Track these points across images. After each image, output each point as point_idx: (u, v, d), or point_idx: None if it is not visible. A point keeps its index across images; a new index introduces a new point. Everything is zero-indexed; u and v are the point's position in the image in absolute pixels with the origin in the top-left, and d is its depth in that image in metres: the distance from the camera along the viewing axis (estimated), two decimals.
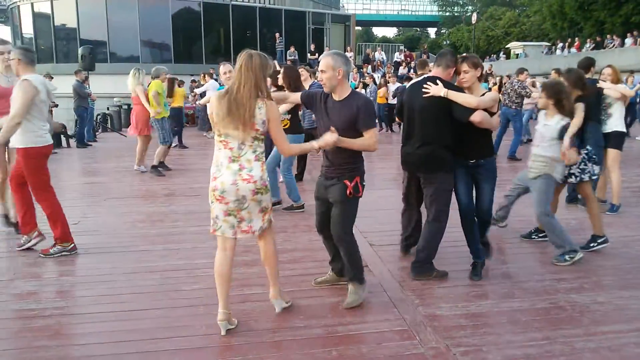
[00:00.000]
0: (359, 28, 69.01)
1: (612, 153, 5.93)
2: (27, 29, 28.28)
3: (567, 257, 4.37)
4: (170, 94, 10.93)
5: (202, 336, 3.20)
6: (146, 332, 3.25)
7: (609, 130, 5.89)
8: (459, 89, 3.90)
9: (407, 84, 6.40)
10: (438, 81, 3.87)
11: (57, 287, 4.01)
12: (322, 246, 4.74)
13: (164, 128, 8.72)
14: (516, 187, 4.88)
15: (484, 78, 11.84)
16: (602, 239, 4.77)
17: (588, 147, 4.84)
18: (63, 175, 8.82)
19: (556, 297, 3.76)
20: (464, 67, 3.94)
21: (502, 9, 48.38)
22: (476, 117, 3.77)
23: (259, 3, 27.12)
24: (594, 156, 4.81)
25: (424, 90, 3.87)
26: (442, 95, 3.79)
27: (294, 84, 5.84)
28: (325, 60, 3.40)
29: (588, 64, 5.96)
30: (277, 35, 24.40)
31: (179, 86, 12.53)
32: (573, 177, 4.73)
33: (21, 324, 3.38)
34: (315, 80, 7.28)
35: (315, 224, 3.81)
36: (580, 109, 4.74)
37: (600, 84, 5.83)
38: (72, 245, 4.71)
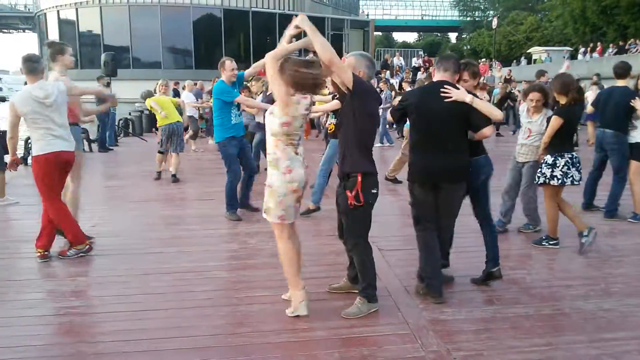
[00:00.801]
0: (379, 33, 69.11)
1: (634, 165, 5.87)
2: (53, 36, 29.05)
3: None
4: None
5: (208, 336, 3.29)
6: (155, 331, 3.36)
7: (633, 141, 5.84)
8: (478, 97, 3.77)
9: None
10: (460, 86, 3.71)
11: (73, 287, 4.15)
12: (331, 250, 4.86)
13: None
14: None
15: (480, 86, 11.71)
16: (555, 241, 5.01)
17: (573, 153, 4.85)
18: (84, 178, 9.02)
19: (562, 303, 3.77)
20: (465, 75, 3.90)
21: (523, 14, 47.92)
22: (488, 131, 3.69)
23: (279, 9, 27.39)
24: (577, 163, 4.83)
25: (443, 95, 3.62)
26: (467, 101, 3.58)
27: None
28: (348, 60, 3.47)
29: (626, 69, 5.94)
30: (292, 40, 24.55)
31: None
32: (555, 179, 4.77)
33: (39, 322, 3.52)
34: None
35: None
36: (552, 122, 4.78)
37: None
38: (88, 246, 4.85)
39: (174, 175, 8.71)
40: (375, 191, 3.45)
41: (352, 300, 3.65)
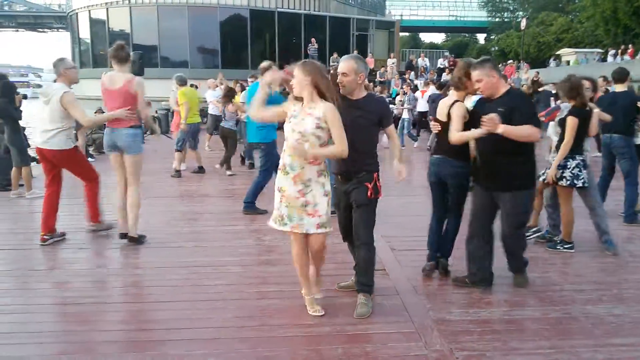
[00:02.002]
0: (406, 34, 68.70)
1: None
2: (84, 35, 29.75)
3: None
4: None
5: (217, 328, 3.39)
6: (166, 322, 3.47)
7: (639, 143, 5.82)
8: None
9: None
10: (493, 115, 3.58)
11: (91, 278, 4.31)
12: (343, 249, 4.89)
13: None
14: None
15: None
16: (569, 245, 4.97)
17: (583, 156, 4.80)
18: (110, 174, 9.26)
19: (571, 307, 3.75)
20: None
21: (553, 15, 47.06)
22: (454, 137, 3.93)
23: (304, 10, 27.49)
24: (587, 165, 4.82)
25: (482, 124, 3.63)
26: (499, 132, 3.57)
27: None
28: (348, 64, 3.46)
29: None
30: (312, 40, 24.64)
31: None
32: (564, 180, 4.76)
33: (57, 310, 3.68)
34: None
35: (340, 231, 3.85)
36: (569, 122, 4.71)
37: None
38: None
39: (201, 167, 9.17)
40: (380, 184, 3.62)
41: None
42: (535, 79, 19.59)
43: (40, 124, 5.05)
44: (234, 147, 9.43)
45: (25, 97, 7.91)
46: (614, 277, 4.38)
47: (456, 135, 3.89)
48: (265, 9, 26.94)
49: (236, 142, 9.63)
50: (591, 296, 3.95)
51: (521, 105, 3.76)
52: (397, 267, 4.53)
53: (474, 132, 3.77)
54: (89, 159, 9.85)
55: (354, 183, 3.54)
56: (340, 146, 3.29)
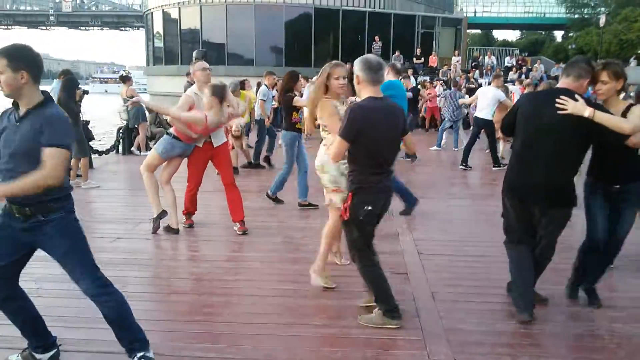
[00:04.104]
0: (478, 31, 66.57)
1: None
2: (158, 32, 31.17)
3: None
4: None
5: (225, 323, 3.46)
6: (177, 314, 3.59)
7: None
8: (604, 109, 3.31)
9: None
10: (578, 97, 3.23)
11: (112, 266, 4.47)
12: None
13: None
14: None
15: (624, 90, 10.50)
16: None
17: None
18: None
19: (597, 324, 3.50)
20: (603, 76, 3.42)
21: (638, 11, 43.96)
22: (635, 138, 3.24)
23: (369, 8, 27.33)
24: None
25: (558, 105, 3.20)
26: (585, 115, 3.13)
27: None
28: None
29: None
30: (376, 38, 24.42)
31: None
32: None
33: (72, 299, 3.86)
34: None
35: None
36: None
37: None
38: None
39: (250, 163, 9.50)
40: (368, 208, 3.28)
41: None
42: None
43: None
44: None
45: (86, 92, 8.37)
46: None
47: None
48: (330, 7, 27.07)
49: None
50: (621, 314, 3.67)
51: None
52: (420, 272, 4.42)
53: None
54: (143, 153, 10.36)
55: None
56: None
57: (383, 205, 3.39)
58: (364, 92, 3.27)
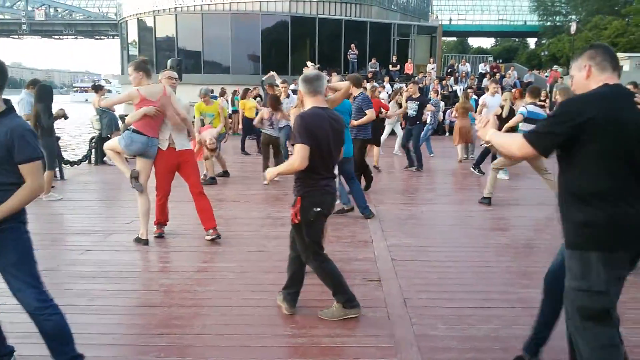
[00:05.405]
0: (454, 39, 67.50)
1: None
2: (133, 41, 30.90)
3: None
4: None
5: (195, 335, 3.39)
6: (145, 327, 3.50)
7: None
8: None
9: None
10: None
11: (80, 279, 4.38)
12: (342, 258, 4.84)
13: None
14: None
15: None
16: None
17: None
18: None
19: None
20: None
21: (608, 18, 45.08)
22: None
23: (345, 16, 27.51)
24: None
25: None
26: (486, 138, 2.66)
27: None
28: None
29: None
30: (352, 46, 24.58)
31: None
32: None
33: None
34: (362, 92, 7.38)
35: None
36: None
37: None
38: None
39: (225, 172, 9.40)
40: (316, 210, 3.42)
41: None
42: None
43: None
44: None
45: (66, 117, 8.27)
46: None
47: None
48: (306, 15, 27.17)
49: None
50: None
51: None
52: (392, 278, 4.41)
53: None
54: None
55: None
56: None
57: (329, 206, 3.57)
58: (307, 103, 3.51)
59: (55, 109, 7.75)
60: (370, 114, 7.11)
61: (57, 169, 8.73)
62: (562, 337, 2.78)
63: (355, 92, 7.09)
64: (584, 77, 2.43)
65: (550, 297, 2.88)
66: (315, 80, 3.46)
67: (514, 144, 2.48)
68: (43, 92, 7.51)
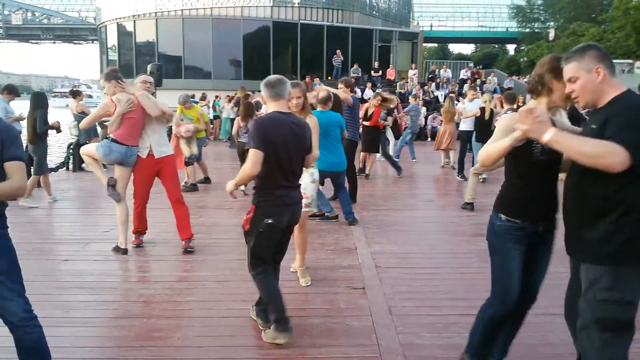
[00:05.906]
0: (435, 45, 68.12)
1: None
2: (112, 46, 30.54)
3: None
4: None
5: (175, 348, 3.30)
6: (124, 339, 3.40)
7: None
8: None
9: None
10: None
11: (58, 290, 4.26)
12: (326, 265, 4.79)
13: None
14: None
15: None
16: None
17: None
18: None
19: (552, 334, 3.52)
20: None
21: (585, 25, 45.93)
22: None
23: (327, 22, 27.58)
24: None
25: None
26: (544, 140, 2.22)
27: None
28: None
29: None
30: (338, 52, 24.65)
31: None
32: None
33: None
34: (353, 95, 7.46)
35: None
36: None
37: None
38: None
39: (206, 178, 9.33)
40: (269, 221, 3.28)
41: (330, 314, 3.71)
42: None
43: None
44: None
45: (60, 131, 8.20)
46: None
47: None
48: (288, 20, 27.16)
49: None
50: None
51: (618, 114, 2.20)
52: (377, 286, 4.37)
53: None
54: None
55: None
56: None
57: (291, 219, 3.39)
58: (269, 107, 3.38)
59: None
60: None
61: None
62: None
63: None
64: (596, 80, 2.26)
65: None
66: (277, 85, 3.33)
67: (610, 154, 2.08)
68: (40, 99, 7.58)
